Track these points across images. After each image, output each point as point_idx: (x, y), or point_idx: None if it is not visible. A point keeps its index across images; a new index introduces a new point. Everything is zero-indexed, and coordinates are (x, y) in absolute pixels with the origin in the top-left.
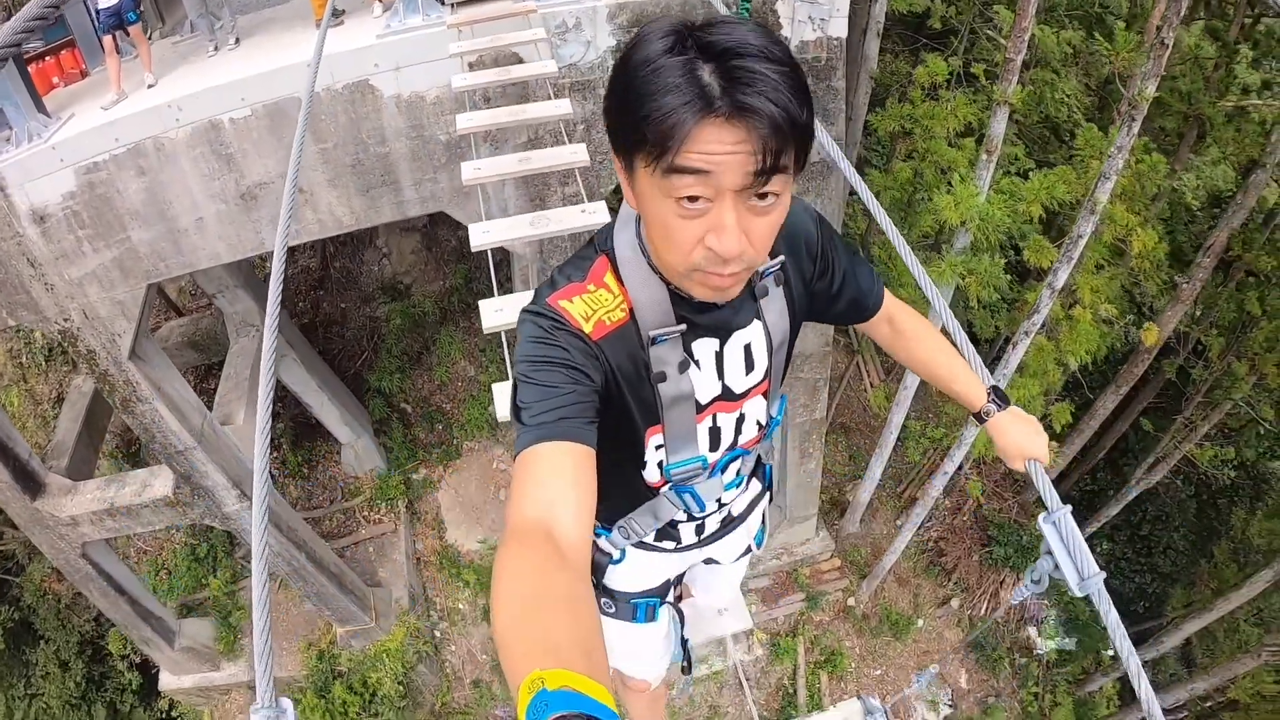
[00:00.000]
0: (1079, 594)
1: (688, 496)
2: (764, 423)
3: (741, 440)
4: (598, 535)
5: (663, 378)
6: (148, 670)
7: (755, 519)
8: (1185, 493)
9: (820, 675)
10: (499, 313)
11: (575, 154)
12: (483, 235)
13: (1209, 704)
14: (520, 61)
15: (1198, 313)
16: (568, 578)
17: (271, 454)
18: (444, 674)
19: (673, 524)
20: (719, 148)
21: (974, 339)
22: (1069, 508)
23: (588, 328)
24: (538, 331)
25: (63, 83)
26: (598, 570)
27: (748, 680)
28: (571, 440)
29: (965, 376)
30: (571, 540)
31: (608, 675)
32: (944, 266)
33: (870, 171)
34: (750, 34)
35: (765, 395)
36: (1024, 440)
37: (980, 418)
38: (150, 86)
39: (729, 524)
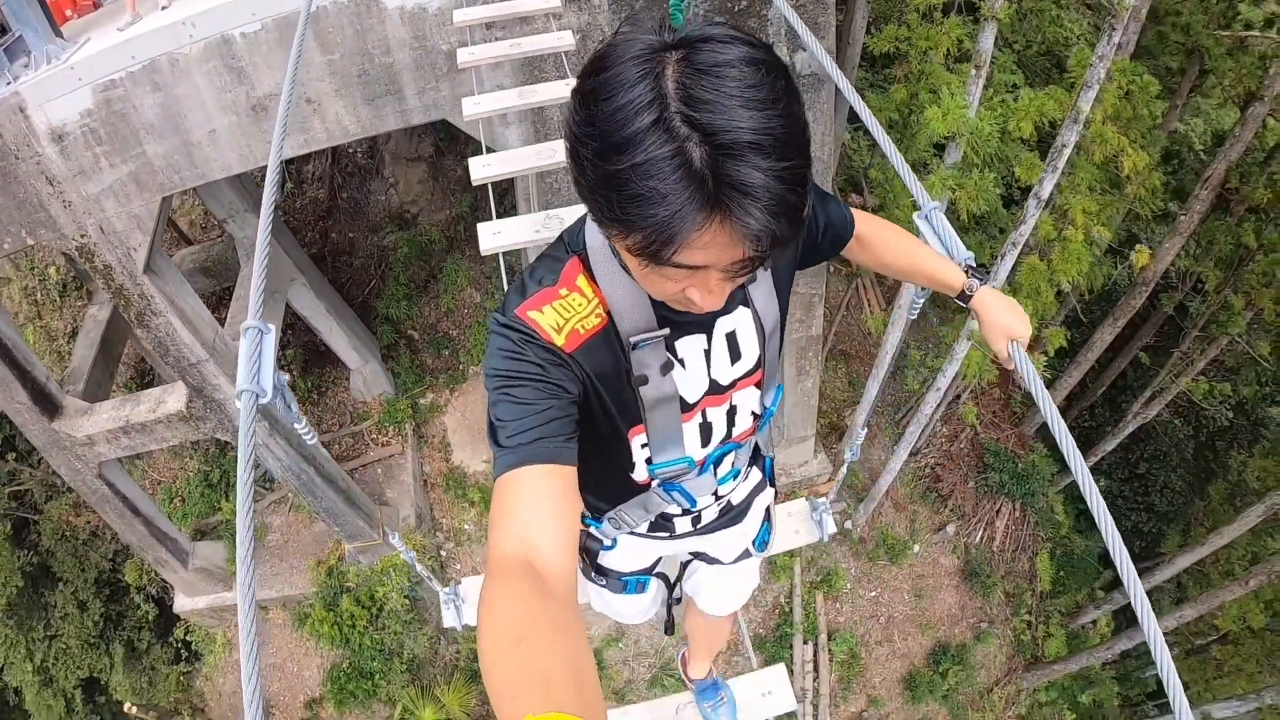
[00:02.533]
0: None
1: (677, 494)
2: (758, 413)
3: (735, 433)
4: (588, 525)
5: (644, 381)
6: (164, 605)
7: (757, 513)
8: (1183, 433)
9: (816, 596)
10: (496, 235)
11: (560, 40)
12: (483, 169)
13: (1200, 642)
14: None
15: (1198, 250)
16: (553, 608)
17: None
18: None
19: (666, 516)
20: (712, 248)
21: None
22: (940, 204)
23: (559, 340)
24: (507, 345)
25: (76, 14)
26: (589, 554)
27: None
28: (549, 462)
29: (941, 264)
30: (555, 568)
31: (602, 707)
32: (934, 180)
33: (866, 94)
34: (744, 106)
35: (759, 385)
36: (1006, 319)
37: (964, 296)
38: (164, 8)
39: (728, 514)
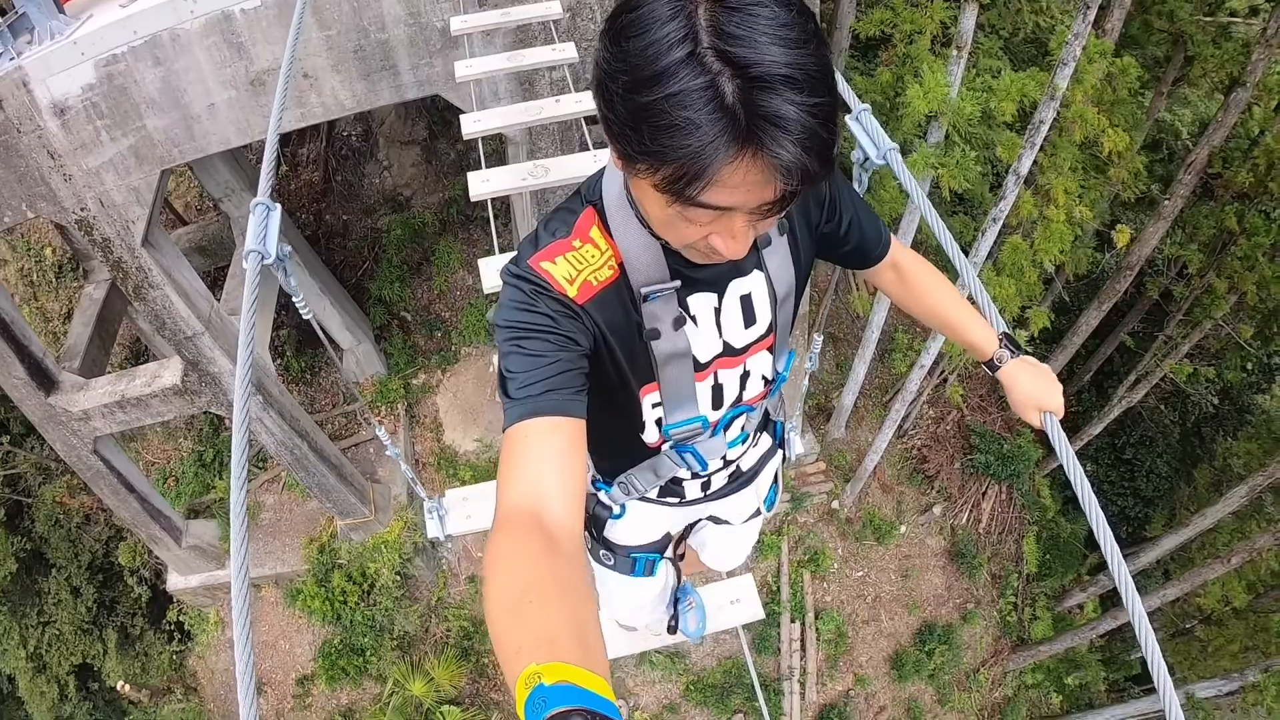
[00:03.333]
0: (880, 162)
1: (689, 456)
2: (770, 378)
3: (747, 396)
4: (598, 489)
5: (656, 335)
6: (157, 589)
7: (766, 477)
8: (1170, 418)
9: (803, 574)
10: (485, 182)
11: (560, 52)
12: (474, 124)
13: (1186, 625)
14: None
15: (1182, 236)
16: (560, 565)
17: (276, 363)
18: (441, 570)
19: (676, 481)
20: (741, 187)
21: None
22: (868, 106)
23: (572, 290)
24: (519, 296)
25: None
26: (597, 524)
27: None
28: (559, 415)
29: (975, 324)
30: (562, 525)
31: (606, 663)
32: (916, 158)
33: (854, 77)
34: (776, 44)
35: (771, 350)
36: (1037, 390)
37: (992, 366)
38: None
39: (737, 479)
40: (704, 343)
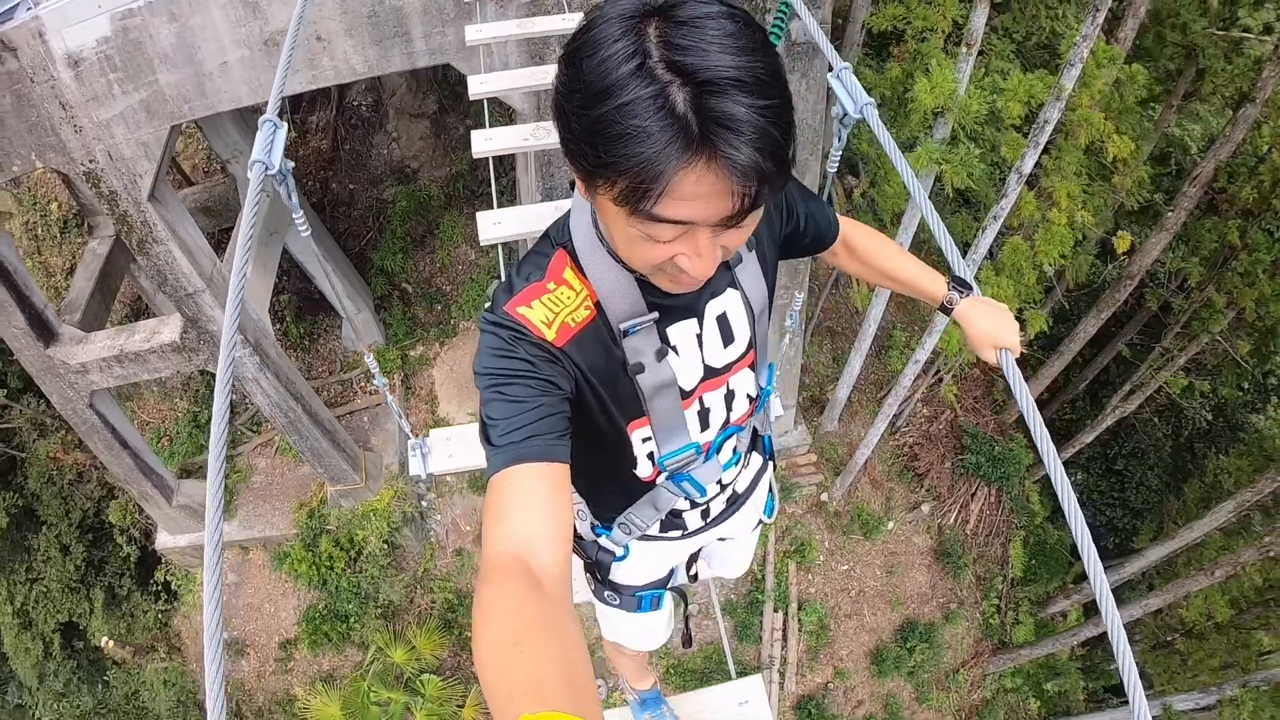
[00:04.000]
0: (857, 116)
1: (686, 484)
2: (754, 395)
3: (734, 417)
4: (599, 535)
5: (640, 369)
6: (146, 550)
7: (761, 490)
8: (1162, 431)
9: (789, 565)
10: (497, 225)
11: (570, 21)
12: (480, 85)
13: (1167, 637)
14: None
15: (1184, 250)
16: (549, 610)
17: (275, 328)
18: (428, 542)
19: (676, 513)
20: (699, 198)
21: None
22: (849, 64)
23: (550, 334)
24: (497, 343)
25: None
26: (601, 568)
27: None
28: (542, 460)
29: (925, 275)
30: (549, 571)
31: (597, 707)
32: (920, 154)
33: (864, 72)
34: (724, 51)
35: (752, 368)
36: (992, 327)
37: (945, 308)
38: None
39: (735, 502)
40: (687, 370)
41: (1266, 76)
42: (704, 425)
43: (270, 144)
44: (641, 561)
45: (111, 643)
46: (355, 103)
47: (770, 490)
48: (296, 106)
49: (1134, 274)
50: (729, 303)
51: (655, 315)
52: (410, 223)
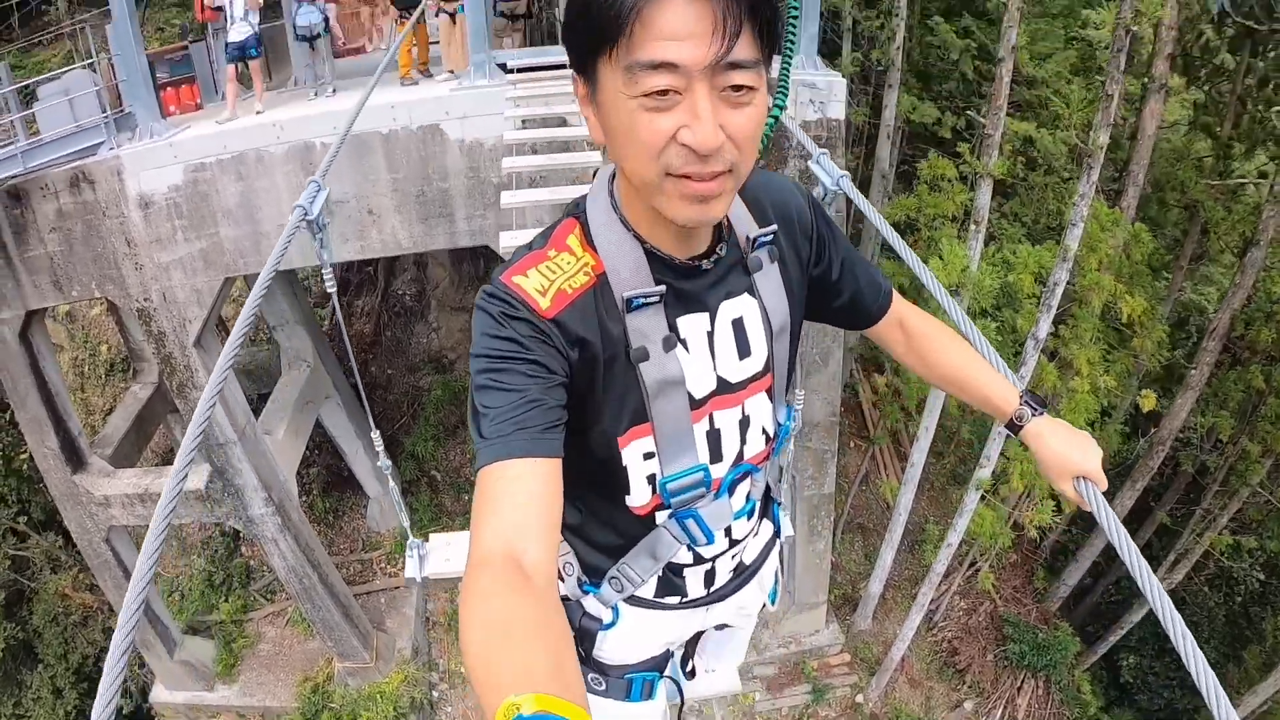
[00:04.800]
0: (835, 189)
1: (691, 523)
2: (771, 432)
3: (748, 452)
4: (585, 593)
5: (644, 355)
6: (140, 707)
7: (769, 569)
8: (1214, 600)
9: None
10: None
11: (590, 158)
12: (511, 240)
13: None
14: (565, 124)
15: (1213, 406)
16: (537, 602)
17: (301, 499)
18: None
19: (676, 570)
20: (680, 33)
21: None
22: (826, 151)
23: (544, 302)
24: (488, 322)
25: (178, 110)
26: (586, 639)
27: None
28: (532, 455)
29: (993, 380)
30: (538, 565)
31: (583, 696)
32: None
33: (883, 262)
34: None
35: (769, 394)
36: (1070, 451)
37: (1014, 425)
38: (258, 113)
39: (741, 574)
40: (697, 373)
41: (1267, 218)
42: (715, 453)
43: (314, 198)
44: (633, 631)
45: None
46: (400, 291)
47: (776, 573)
48: (344, 289)
49: (1164, 439)
50: (745, 308)
51: (662, 288)
52: (444, 411)
